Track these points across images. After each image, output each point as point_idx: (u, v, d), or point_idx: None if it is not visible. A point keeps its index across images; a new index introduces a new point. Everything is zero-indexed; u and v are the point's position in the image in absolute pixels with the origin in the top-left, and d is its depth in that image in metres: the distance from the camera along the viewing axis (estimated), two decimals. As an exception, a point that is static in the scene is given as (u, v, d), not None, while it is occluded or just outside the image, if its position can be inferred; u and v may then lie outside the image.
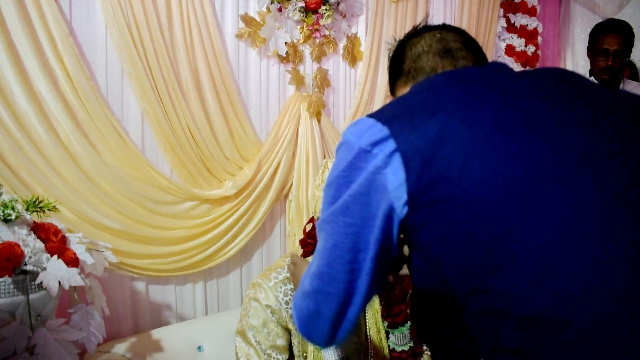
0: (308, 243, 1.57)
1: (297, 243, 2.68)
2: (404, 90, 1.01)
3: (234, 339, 1.52)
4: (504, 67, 0.89)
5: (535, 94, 0.79)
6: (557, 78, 0.86)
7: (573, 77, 0.87)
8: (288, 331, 1.49)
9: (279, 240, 2.75)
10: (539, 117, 0.75)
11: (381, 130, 0.77)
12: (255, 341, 1.46)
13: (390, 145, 0.75)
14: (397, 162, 0.74)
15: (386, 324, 1.59)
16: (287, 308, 1.47)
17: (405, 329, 1.61)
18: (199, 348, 2.16)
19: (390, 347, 1.59)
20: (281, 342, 1.47)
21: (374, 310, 1.60)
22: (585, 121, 0.76)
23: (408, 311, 1.59)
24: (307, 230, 1.64)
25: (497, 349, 0.73)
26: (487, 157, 0.71)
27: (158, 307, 2.36)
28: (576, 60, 3.99)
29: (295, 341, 1.50)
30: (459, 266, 0.73)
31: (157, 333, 2.14)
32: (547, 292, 0.66)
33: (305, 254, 1.56)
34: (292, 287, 1.51)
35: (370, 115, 0.81)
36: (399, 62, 1.03)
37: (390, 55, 1.11)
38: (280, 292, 1.48)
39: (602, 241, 0.66)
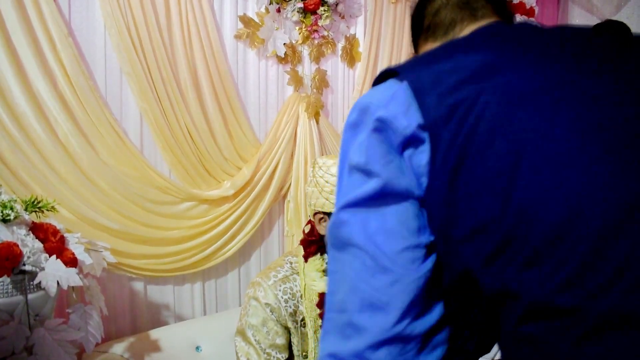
0: (310, 242, 1.57)
1: (296, 243, 2.69)
2: (425, 47, 0.97)
3: (234, 338, 1.52)
4: (534, 26, 0.78)
5: (570, 60, 0.69)
6: (592, 42, 0.74)
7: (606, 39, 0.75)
8: (287, 330, 1.49)
9: (277, 241, 2.75)
10: (575, 88, 0.66)
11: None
12: (255, 340, 1.46)
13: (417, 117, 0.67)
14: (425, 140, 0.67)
15: None
16: (286, 306, 1.47)
17: None
18: (197, 348, 2.16)
19: None
20: (280, 340, 1.47)
21: None
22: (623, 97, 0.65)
23: None
24: (306, 231, 1.64)
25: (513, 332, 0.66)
26: (521, 134, 0.62)
27: (156, 307, 2.36)
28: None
29: (294, 340, 1.50)
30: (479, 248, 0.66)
31: (155, 333, 2.14)
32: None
33: (307, 255, 1.55)
34: (291, 285, 1.51)
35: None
36: (419, 20, 0.98)
37: (412, 14, 1.06)
38: (280, 290, 1.48)
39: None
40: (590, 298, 0.57)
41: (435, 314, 0.68)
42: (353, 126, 0.73)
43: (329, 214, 1.46)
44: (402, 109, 0.67)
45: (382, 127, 0.67)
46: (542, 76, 0.66)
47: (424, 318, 0.67)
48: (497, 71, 0.66)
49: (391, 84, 0.70)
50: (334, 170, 1.43)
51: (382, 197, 0.67)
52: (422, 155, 0.66)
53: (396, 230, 0.66)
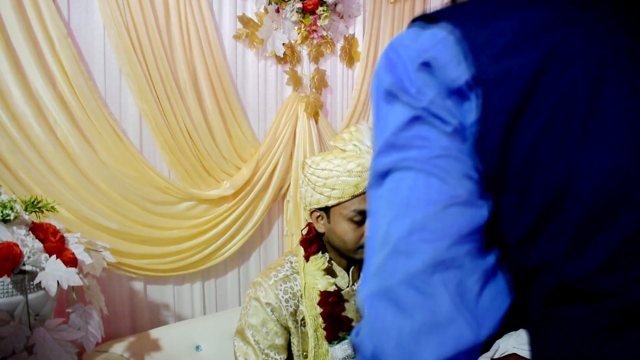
0: (311, 242, 1.57)
1: (295, 243, 2.69)
2: None
3: (233, 338, 1.53)
4: None
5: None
6: None
7: None
8: (287, 330, 1.50)
9: (276, 241, 2.76)
10: None
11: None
12: (254, 340, 1.46)
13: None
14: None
15: None
16: (287, 306, 1.48)
17: None
18: (197, 348, 2.17)
19: None
20: (280, 341, 1.48)
21: None
22: None
23: None
24: (304, 233, 1.65)
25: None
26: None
27: (156, 307, 2.37)
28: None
29: (294, 340, 1.51)
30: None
31: (155, 333, 2.15)
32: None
33: (308, 254, 1.56)
34: (292, 285, 1.51)
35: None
36: None
37: None
38: (280, 290, 1.49)
39: None
40: (629, 284, 0.55)
41: (492, 258, 0.60)
42: (389, 65, 0.64)
43: (325, 210, 1.46)
44: (451, 59, 0.60)
45: (427, 70, 0.60)
46: (613, 40, 0.59)
47: (483, 254, 0.59)
48: (562, 31, 0.59)
49: (437, 32, 0.62)
50: (323, 164, 1.43)
51: (433, 120, 0.60)
52: (468, 115, 0.60)
53: (457, 155, 0.60)
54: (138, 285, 2.30)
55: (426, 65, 0.60)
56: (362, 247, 1.46)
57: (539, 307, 0.62)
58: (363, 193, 1.41)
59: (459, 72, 0.59)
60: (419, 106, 0.60)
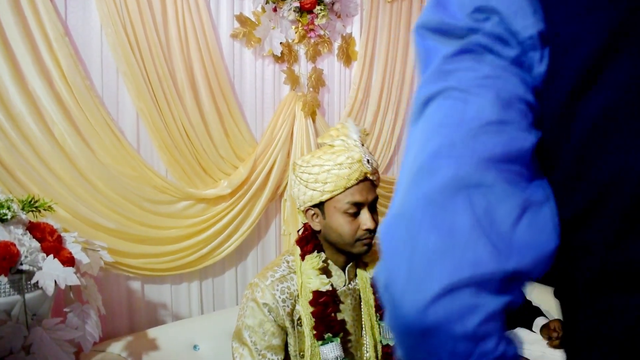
0: (307, 241, 1.58)
1: (293, 242, 2.70)
2: None
3: (231, 339, 1.53)
4: None
5: None
6: None
7: None
8: (284, 330, 1.50)
9: (274, 240, 2.76)
10: None
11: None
12: (251, 341, 1.46)
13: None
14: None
15: (378, 315, 1.61)
16: (284, 306, 1.48)
17: None
18: (195, 347, 2.16)
19: (382, 343, 1.61)
20: (277, 341, 1.48)
21: (368, 305, 1.61)
22: None
23: None
24: (300, 233, 1.65)
25: None
26: None
27: (154, 306, 2.36)
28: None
29: (291, 340, 1.51)
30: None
31: (152, 332, 2.15)
32: None
33: (304, 253, 1.56)
34: (289, 285, 1.51)
35: None
36: None
37: None
38: (277, 290, 1.49)
39: None
40: None
41: (538, 190, 0.54)
42: (438, 5, 0.59)
43: (319, 206, 1.47)
44: (517, 10, 0.55)
45: (484, 13, 0.55)
46: None
47: (524, 183, 0.53)
48: None
49: None
50: (314, 161, 1.46)
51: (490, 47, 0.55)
52: (538, 67, 0.55)
53: (509, 77, 0.54)
54: (135, 285, 2.30)
55: (482, 11, 0.55)
56: (359, 239, 1.47)
57: (580, 291, 0.58)
58: (355, 184, 1.43)
59: (524, 24, 0.54)
60: (470, 40, 0.55)
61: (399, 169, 3.17)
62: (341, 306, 1.55)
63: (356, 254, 1.53)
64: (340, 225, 1.45)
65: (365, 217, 1.46)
